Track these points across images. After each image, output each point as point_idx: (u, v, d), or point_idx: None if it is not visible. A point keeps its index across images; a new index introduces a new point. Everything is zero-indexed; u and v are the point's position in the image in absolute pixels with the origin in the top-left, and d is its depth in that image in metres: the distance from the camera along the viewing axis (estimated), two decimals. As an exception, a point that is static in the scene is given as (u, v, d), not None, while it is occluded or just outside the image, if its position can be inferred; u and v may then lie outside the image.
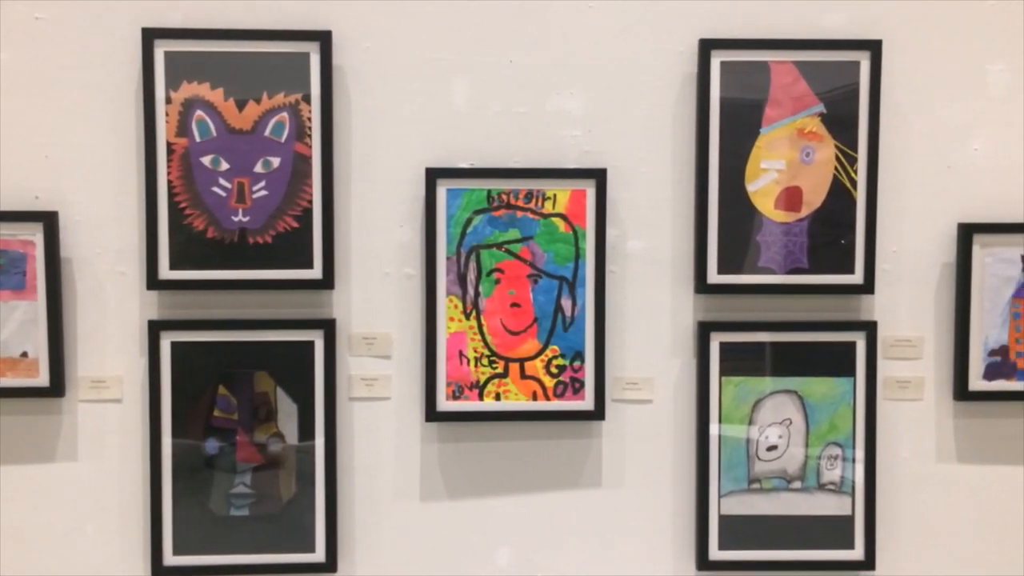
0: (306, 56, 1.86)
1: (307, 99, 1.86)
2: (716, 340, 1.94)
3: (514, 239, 1.90)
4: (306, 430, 1.91)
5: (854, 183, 1.92)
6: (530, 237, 1.90)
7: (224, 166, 1.86)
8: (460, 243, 1.90)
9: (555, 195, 1.90)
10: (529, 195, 1.90)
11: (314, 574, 1.92)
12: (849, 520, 1.96)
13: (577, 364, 1.92)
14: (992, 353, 1.95)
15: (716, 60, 1.89)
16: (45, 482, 1.92)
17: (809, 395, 1.95)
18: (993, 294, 1.94)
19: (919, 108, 1.95)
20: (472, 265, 1.90)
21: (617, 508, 1.98)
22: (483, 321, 1.91)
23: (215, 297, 1.90)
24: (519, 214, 1.90)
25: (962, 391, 1.96)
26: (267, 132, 1.86)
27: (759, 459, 1.96)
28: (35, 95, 1.88)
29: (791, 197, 1.92)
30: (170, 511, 1.90)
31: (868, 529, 1.96)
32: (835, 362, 1.95)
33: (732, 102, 1.90)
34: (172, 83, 1.85)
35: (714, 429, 1.95)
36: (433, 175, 1.89)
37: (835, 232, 1.92)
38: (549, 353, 1.92)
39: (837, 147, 1.91)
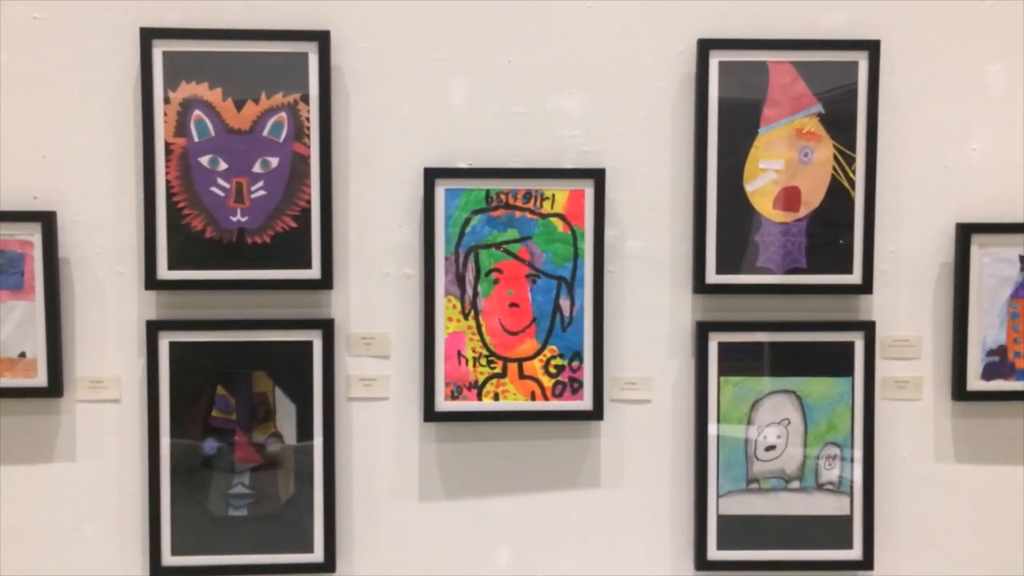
0: (304, 56, 1.86)
1: (305, 99, 1.86)
2: (714, 340, 1.94)
3: (513, 239, 1.90)
4: (304, 430, 1.91)
5: (852, 183, 1.92)
6: (529, 237, 1.90)
7: (222, 166, 1.86)
8: (459, 243, 1.90)
9: (554, 195, 1.90)
10: (528, 195, 1.90)
11: (312, 574, 1.92)
12: (847, 520, 1.97)
13: (576, 364, 1.92)
14: (990, 353, 1.95)
15: (715, 60, 1.89)
16: (44, 482, 1.92)
17: (807, 395, 1.95)
18: (991, 294, 1.94)
19: (917, 108, 1.95)
20: (471, 265, 1.90)
21: (616, 508, 1.98)
22: (482, 321, 1.91)
23: (213, 297, 1.90)
24: (518, 214, 1.90)
25: (960, 391, 1.96)
26: (265, 132, 1.86)
27: (757, 459, 1.96)
28: (33, 95, 1.88)
29: (789, 197, 1.92)
30: (168, 511, 1.90)
31: (866, 529, 1.96)
32: (833, 362, 1.95)
33: (731, 102, 1.90)
34: (170, 83, 1.85)
35: (712, 429, 1.95)
36: (432, 175, 1.89)
37: (833, 232, 1.92)
38: (548, 353, 1.92)
39: (835, 147, 1.91)
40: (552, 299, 1.91)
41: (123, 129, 1.89)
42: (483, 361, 1.92)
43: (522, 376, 1.92)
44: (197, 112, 1.85)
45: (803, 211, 1.92)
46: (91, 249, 1.90)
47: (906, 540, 2.00)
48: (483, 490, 1.97)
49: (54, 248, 1.86)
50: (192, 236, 1.87)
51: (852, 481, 1.96)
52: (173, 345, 1.88)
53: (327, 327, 1.90)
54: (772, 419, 1.96)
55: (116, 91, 1.88)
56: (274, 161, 1.87)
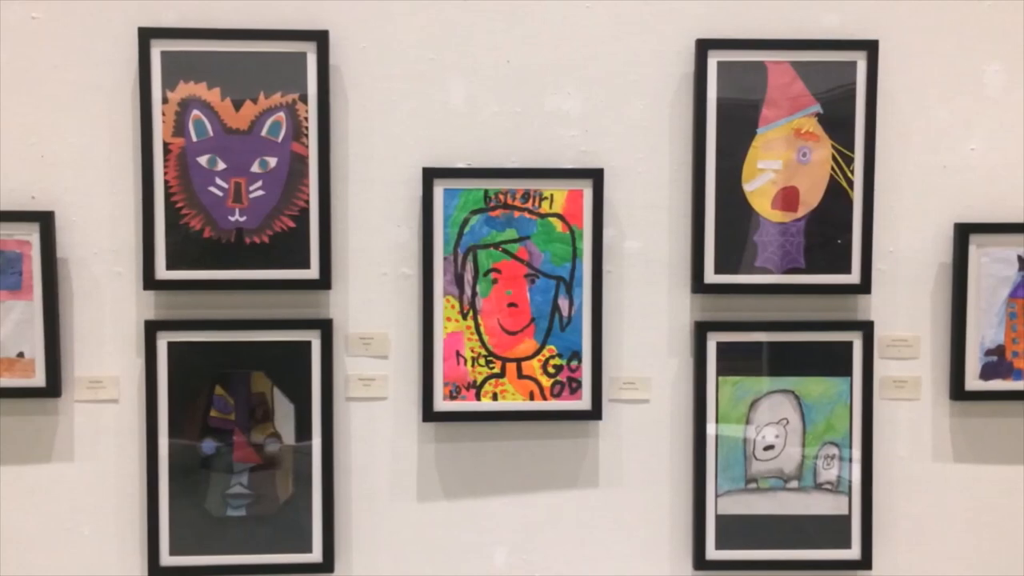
0: (303, 56, 1.86)
1: (304, 99, 1.86)
2: (713, 340, 1.94)
3: (511, 239, 1.90)
4: (303, 430, 1.91)
5: (851, 183, 1.92)
6: (527, 237, 1.90)
7: (221, 166, 1.86)
8: (457, 243, 1.90)
9: (552, 195, 1.90)
10: (526, 195, 1.90)
11: (311, 574, 1.92)
12: (846, 519, 1.97)
13: (574, 364, 1.92)
14: (988, 353, 1.96)
15: (713, 60, 1.89)
16: (42, 483, 1.92)
17: (806, 395, 1.95)
18: (989, 294, 1.94)
19: (916, 108, 1.95)
20: (469, 265, 1.90)
21: (614, 508, 1.98)
22: (480, 321, 1.91)
23: (212, 297, 1.90)
24: (516, 214, 1.90)
25: (958, 391, 1.96)
26: (264, 132, 1.86)
27: (756, 459, 1.96)
28: (32, 95, 1.87)
29: (788, 197, 1.92)
30: (167, 511, 1.89)
31: (864, 528, 1.96)
32: (832, 362, 1.95)
33: (729, 102, 1.90)
34: (168, 83, 1.85)
35: (711, 429, 1.95)
36: (430, 175, 1.89)
37: (832, 232, 1.92)
38: (546, 353, 1.92)
39: (834, 147, 1.92)
40: (551, 299, 1.91)
41: (121, 129, 1.89)
42: (482, 361, 1.92)
43: (521, 376, 1.92)
44: (195, 112, 1.85)
45: (801, 211, 1.92)
46: (89, 249, 1.90)
47: (904, 539, 2.01)
48: (481, 490, 1.97)
49: (52, 248, 1.86)
50: (190, 236, 1.86)
51: (850, 481, 1.96)
52: (171, 345, 1.88)
53: (325, 327, 1.90)
54: (771, 419, 1.96)
55: (114, 91, 1.88)
56: (272, 161, 1.87)
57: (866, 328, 1.95)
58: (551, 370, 1.92)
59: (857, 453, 1.96)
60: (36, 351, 1.86)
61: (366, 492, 1.96)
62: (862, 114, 1.91)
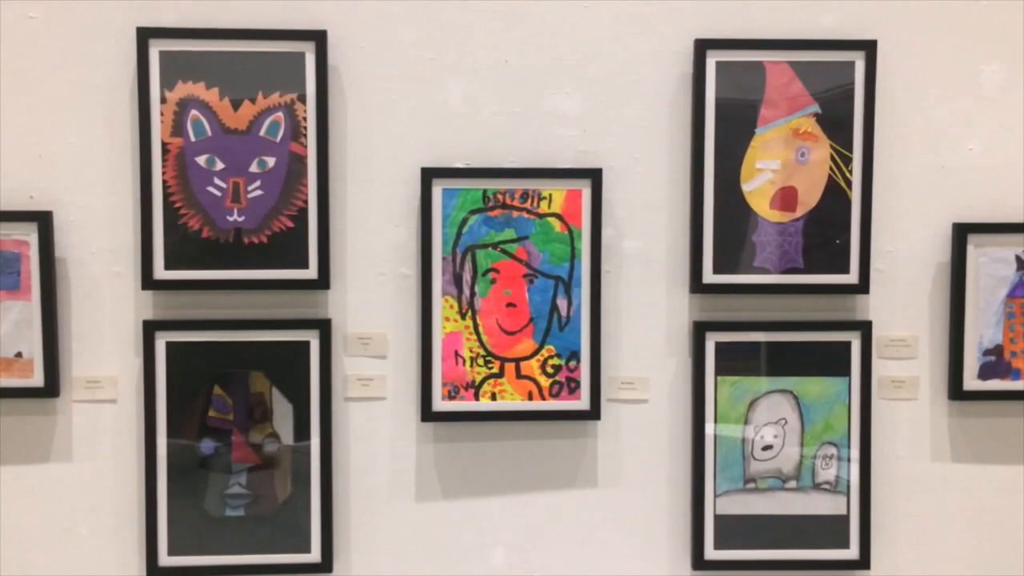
0: (301, 56, 1.86)
1: (302, 99, 1.86)
2: (711, 340, 1.94)
3: (510, 239, 1.90)
4: (302, 430, 1.91)
5: (849, 183, 1.92)
6: (526, 237, 1.90)
7: (219, 166, 1.86)
8: (456, 243, 1.90)
9: (551, 195, 1.90)
10: (525, 195, 1.90)
11: (310, 574, 1.92)
12: (844, 519, 1.97)
13: (573, 364, 1.92)
14: (986, 352, 1.96)
15: (711, 60, 1.89)
16: (40, 483, 1.92)
17: (804, 395, 1.96)
18: (987, 294, 1.94)
19: (914, 108, 1.95)
20: (468, 265, 1.90)
21: (613, 508, 1.98)
22: (479, 321, 1.91)
23: (210, 297, 1.90)
24: (515, 214, 1.90)
25: (957, 390, 1.96)
26: (262, 132, 1.86)
27: (754, 459, 1.96)
28: (30, 94, 1.87)
29: (786, 197, 1.92)
30: (165, 511, 1.89)
31: (863, 528, 1.96)
32: (830, 362, 1.95)
33: (727, 102, 1.90)
34: (167, 82, 1.85)
35: (710, 429, 1.95)
36: (429, 175, 1.89)
37: (830, 232, 1.92)
38: (545, 353, 1.92)
39: (832, 147, 1.92)
40: (549, 299, 1.91)
41: (119, 129, 1.89)
42: (480, 361, 1.92)
43: (519, 376, 1.92)
44: (194, 112, 1.85)
45: (800, 211, 1.92)
46: (87, 249, 1.90)
47: (902, 539, 2.01)
48: (480, 490, 1.97)
49: (50, 248, 1.86)
50: (189, 236, 1.86)
51: (849, 480, 1.96)
52: (170, 345, 1.88)
53: (324, 327, 1.90)
54: (769, 419, 1.96)
55: (112, 90, 1.88)
56: (271, 161, 1.87)
57: (864, 328, 1.95)
58: (550, 370, 1.92)
59: (855, 453, 1.96)
60: (34, 351, 1.86)
61: (365, 492, 1.95)
62: (860, 114, 1.91)
